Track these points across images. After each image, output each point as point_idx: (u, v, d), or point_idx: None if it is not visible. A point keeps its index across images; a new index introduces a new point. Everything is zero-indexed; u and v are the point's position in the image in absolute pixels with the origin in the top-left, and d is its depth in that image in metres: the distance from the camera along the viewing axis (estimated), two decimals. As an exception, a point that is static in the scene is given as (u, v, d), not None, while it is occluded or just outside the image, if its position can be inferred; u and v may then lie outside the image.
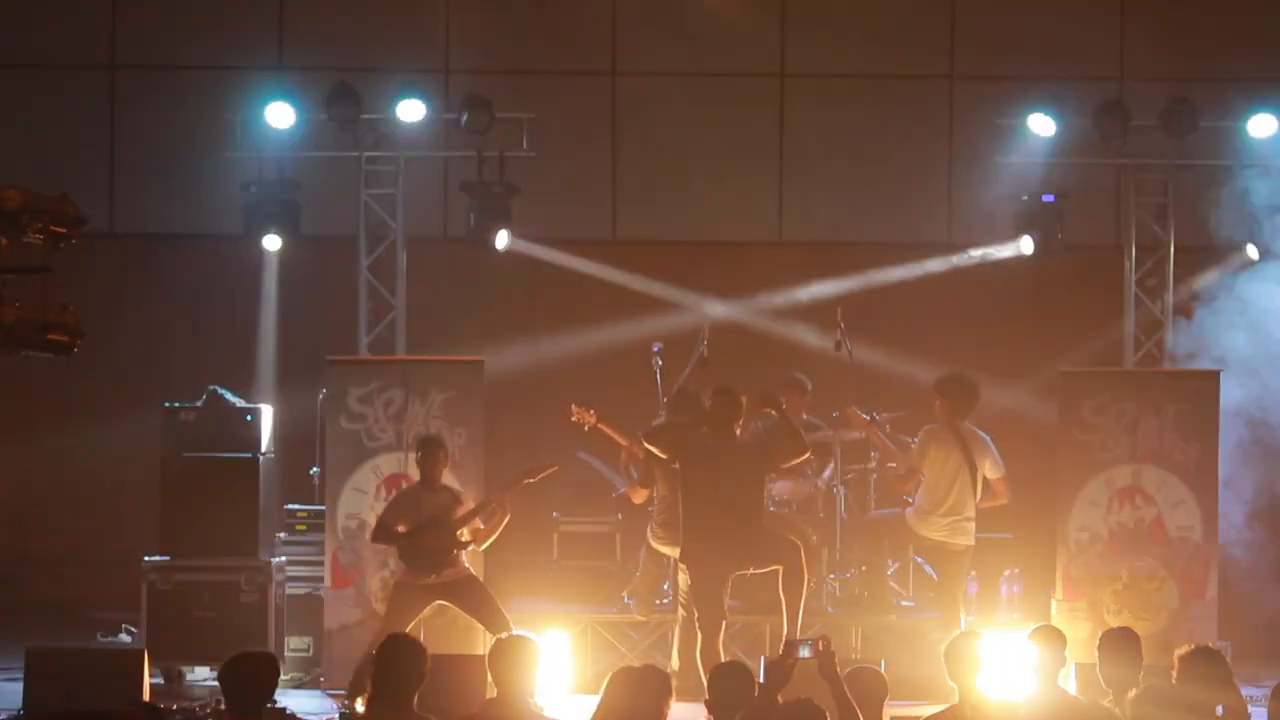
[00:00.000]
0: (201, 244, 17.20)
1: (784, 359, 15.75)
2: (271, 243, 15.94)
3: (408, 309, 16.21)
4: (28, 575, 16.64)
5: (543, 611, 14.05)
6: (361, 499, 14.43)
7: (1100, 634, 9.82)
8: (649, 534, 13.68)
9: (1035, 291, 16.92)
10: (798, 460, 13.00)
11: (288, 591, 14.67)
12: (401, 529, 13.03)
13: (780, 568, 12.62)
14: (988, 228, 16.60)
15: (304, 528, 15.02)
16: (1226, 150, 15.92)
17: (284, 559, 14.76)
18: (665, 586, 14.07)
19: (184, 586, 14.53)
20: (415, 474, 13.53)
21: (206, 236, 17.14)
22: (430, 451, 13.23)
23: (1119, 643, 9.56)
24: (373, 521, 13.65)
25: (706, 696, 8.64)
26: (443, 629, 13.35)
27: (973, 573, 13.93)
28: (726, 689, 8.66)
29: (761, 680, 8.81)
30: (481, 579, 13.35)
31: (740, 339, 16.10)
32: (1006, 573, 14.59)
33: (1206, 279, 16.03)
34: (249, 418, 14.83)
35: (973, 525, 13.53)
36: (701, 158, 17.51)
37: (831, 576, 14.45)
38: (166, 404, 14.98)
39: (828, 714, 8.46)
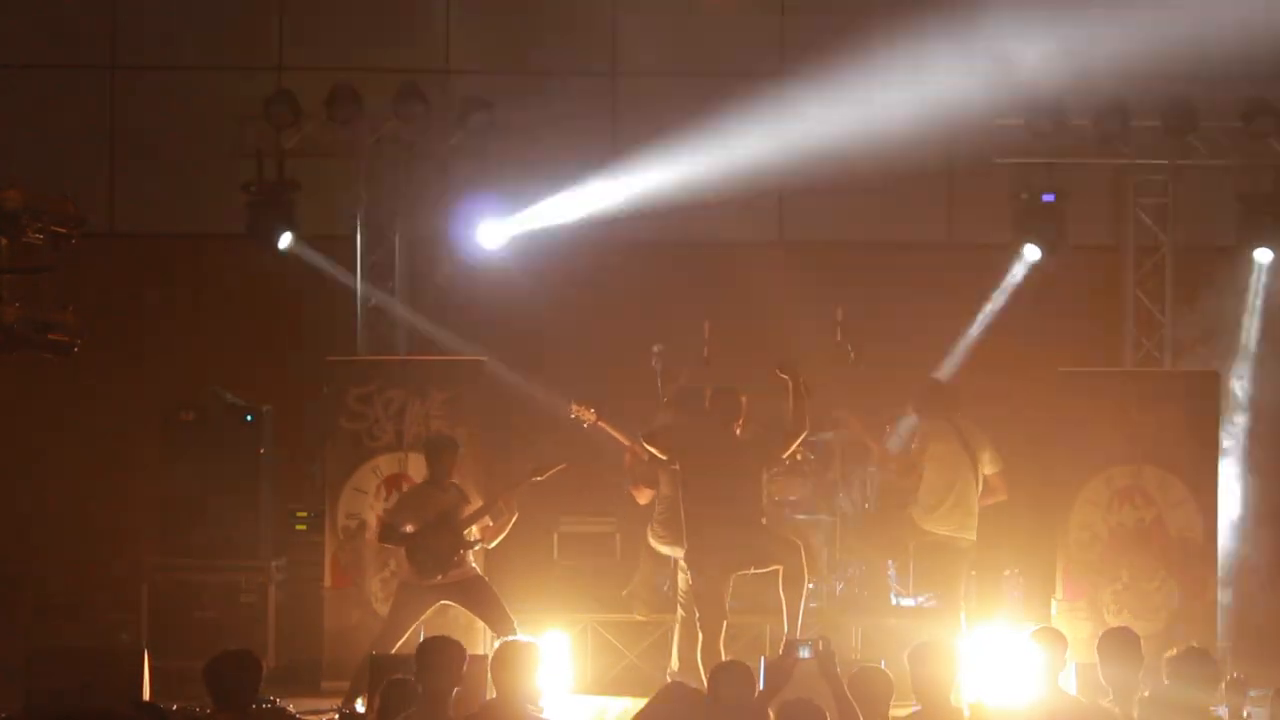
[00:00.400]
0: (201, 244, 17.19)
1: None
2: (284, 240, 15.88)
3: (410, 309, 16.21)
4: (28, 575, 16.62)
5: (543, 612, 14.04)
6: (361, 499, 14.43)
7: (1100, 634, 9.83)
8: (649, 533, 13.66)
9: (1035, 291, 16.90)
10: (800, 439, 12.87)
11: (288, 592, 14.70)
12: (409, 529, 12.95)
13: (780, 568, 12.63)
14: (988, 228, 16.59)
15: (304, 528, 15.03)
16: (1226, 150, 15.92)
17: (284, 559, 14.77)
18: (665, 588, 14.05)
19: (184, 586, 14.54)
20: (415, 474, 13.52)
21: (206, 236, 17.13)
22: (442, 451, 13.16)
23: (1119, 643, 9.56)
24: (373, 522, 13.63)
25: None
26: (443, 628, 13.29)
27: (973, 572, 13.93)
28: (727, 689, 8.67)
29: (761, 680, 8.82)
30: (486, 579, 13.33)
31: (740, 339, 16.08)
32: (1006, 573, 14.60)
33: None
34: (249, 418, 14.82)
35: (975, 521, 13.53)
36: (701, 158, 17.47)
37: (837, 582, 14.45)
38: (166, 404, 14.98)
39: (828, 714, 8.47)
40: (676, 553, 13.10)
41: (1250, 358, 15.87)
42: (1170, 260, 16.14)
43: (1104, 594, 14.29)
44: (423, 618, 12.96)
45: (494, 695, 8.95)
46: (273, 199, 15.85)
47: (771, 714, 8.67)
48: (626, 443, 13.67)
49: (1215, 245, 16.11)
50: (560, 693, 13.27)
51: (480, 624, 13.23)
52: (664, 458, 12.91)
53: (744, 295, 16.65)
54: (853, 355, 14.37)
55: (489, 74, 16.97)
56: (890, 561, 14.61)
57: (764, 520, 13.00)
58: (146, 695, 12.16)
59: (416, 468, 13.87)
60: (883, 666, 9.87)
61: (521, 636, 12.09)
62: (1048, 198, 16.02)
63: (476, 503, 13.16)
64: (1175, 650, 9.30)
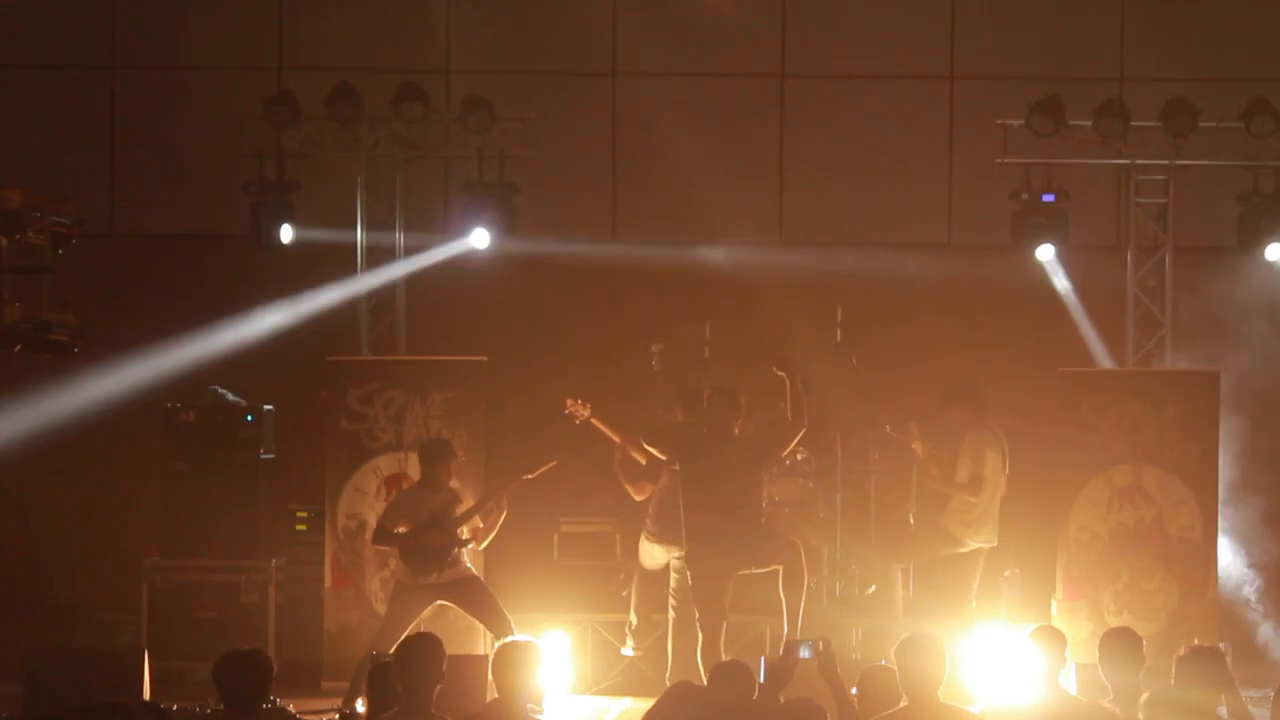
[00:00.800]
0: (202, 244, 17.19)
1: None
2: (284, 239, 15.85)
3: (408, 309, 16.19)
4: (28, 575, 16.62)
5: (543, 612, 14.04)
6: (362, 499, 14.43)
7: (1101, 634, 9.83)
8: (644, 534, 13.60)
9: (1035, 291, 16.89)
10: (799, 435, 12.84)
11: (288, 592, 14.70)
12: (402, 530, 13.00)
13: (780, 568, 12.62)
14: (988, 228, 16.58)
15: (304, 528, 15.03)
16: (1227, 150, 15.91)
17: (284, 559, 14.77)
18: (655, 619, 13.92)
19: (184, 586, 14.54)
20: (415, 474, 13.51)
21: (206, 236, 17.13)
22: (437, 457, 13.16)
23: (1119, 643, 9.54)
24: (373, 522, 13.64)
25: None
26: (443, 629, 13.24)
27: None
28: (727, 689, 8.66)
29: (761, 680, 8.81)
30: (482, 579, 13.34)
31: (740, 339, 16.08)
32: (1006, 573, 14.59)
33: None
34: (249, 418, 14.82)
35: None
36: (701, 158, 17.49)
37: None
38: (166, 404, 14.98)
39: (828, 714, 8.47)
40: (671, 552, 13.10)
41: (1251, 357, 15.85)
42: (1170, 260, 16.13)
43: (1104, 594, 14.29)
44: (420, 617, 12.98)
45: (494, 695, 8.94)
46: (273, 199, 15.84)
47: (771, 714, 8.67)
48: (618, 440, 13.65)
49: (1215, 245, 16.10)
50: (560, 693, 13.26)
51: (480, 625, 13.23)
52: (664, 458, 12.91)
53: (744, 295, 16.66)
54: (855, 361, 14.35)
55: (489, 74, 16.96)
56: (900, 573, 14.34)
57: (764, 520, 12.99)
58: (146, 695, 12.16)
59: (416, 468, 13.87)
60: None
61: (520, 636, 12.08)
62: (1048, 198, 16.00)
63: (469, 502, 13.19)
64: (1183, 649, 9.30)
